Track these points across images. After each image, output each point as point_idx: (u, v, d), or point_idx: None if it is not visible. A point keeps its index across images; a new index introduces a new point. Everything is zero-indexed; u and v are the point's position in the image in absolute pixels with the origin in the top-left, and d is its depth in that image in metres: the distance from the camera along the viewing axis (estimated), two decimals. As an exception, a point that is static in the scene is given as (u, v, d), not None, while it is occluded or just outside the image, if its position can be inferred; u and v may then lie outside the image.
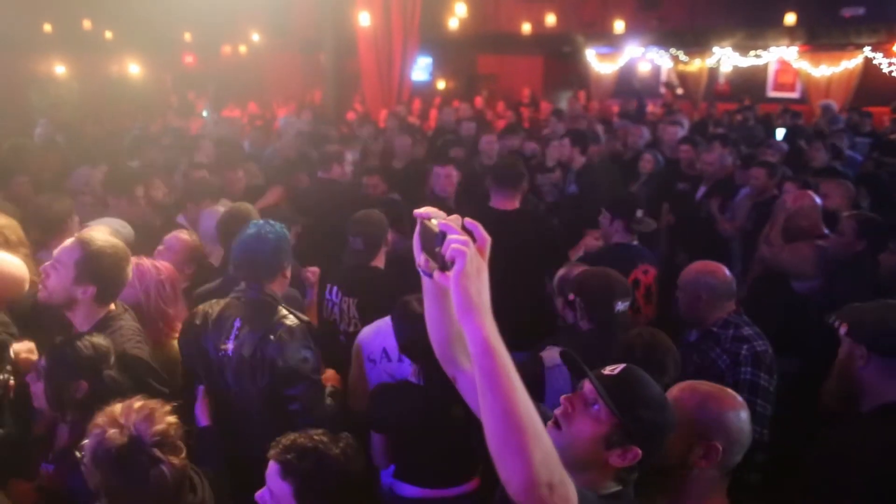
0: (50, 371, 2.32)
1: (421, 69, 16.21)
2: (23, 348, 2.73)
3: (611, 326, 2.88)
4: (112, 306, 2.73)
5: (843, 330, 2.24)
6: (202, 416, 2.70)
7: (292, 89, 15.48)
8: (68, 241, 2.70)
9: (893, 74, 13.46)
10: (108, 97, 14.01)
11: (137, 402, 1.95)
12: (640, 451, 1.58)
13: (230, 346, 2.70)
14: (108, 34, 15.59)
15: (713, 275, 3.12)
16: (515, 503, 1.35)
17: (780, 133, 9.75)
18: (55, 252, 2.69)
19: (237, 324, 2.73)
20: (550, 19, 13.80)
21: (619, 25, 13.99)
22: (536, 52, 16.59)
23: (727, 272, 3.15)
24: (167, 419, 1.93)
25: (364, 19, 9.99)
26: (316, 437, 1.98)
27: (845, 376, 2.23)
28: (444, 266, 1.37)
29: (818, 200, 4.30)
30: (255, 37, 15.37)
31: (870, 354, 2.17)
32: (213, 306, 2.82)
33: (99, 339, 2.39)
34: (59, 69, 14.68)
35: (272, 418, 2.61)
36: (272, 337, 2.65)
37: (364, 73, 10.89)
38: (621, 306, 2.91)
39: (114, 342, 2.47)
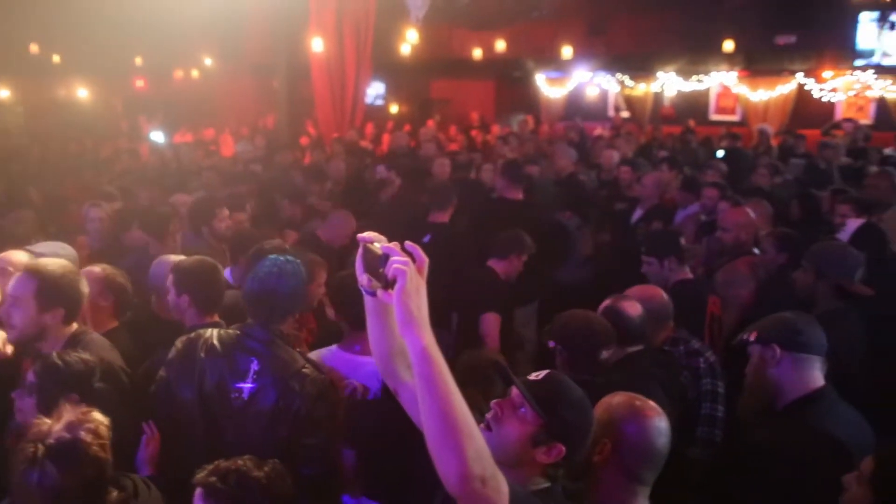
0: (42, 386, 2.35)
1: (374, 94, 16.42)
2: None
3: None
4: (75, 325, 2.76)
5: (751, 337, 2.42)
6: (148, 464, 2.52)
7: (245, 114, 15.49)
8: (16, 277, 2.70)
9: (824, 99, 14.17)
10: (56, 122, 13.84)
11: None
12: (563, 448, 1.74)
13: (245, 390, 2.54)
14: (56, 58, 15.39)
15: (652, 299, 3.24)
16: (453, 497, 1.49)
17: (720, 154, 10.17)
18: (7, 290, 2.68)
19: (255, 366, 2.56)
20: (501, 45, 14.16)
21: (567, 51, 14.44)
22: (488, 77, 16.97)
23: (664, 295, 3.31)
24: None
25: (317, 45, 10.12)
26: (240, 462, 2.04)
27: (759, 383, 2.41)
28: (387, 285, 1.52)
29: (752, 216, 4.54)
30: (208, 61, 15.36)
31: (782, 353, 2.36)
32: (218, 337, 2.64)
33: (85, 355, 2.45)
34: (4, 93, 14.45)
35: None
36: (296, 386, 2.51)
37: (317, 98, 10.99)
38: (605, 354, 2.76)
39: (96, 356, 2.52)
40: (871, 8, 12.73)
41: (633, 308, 2.98)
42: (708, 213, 5.66)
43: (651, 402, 2.09)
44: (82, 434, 1.98)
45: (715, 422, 3.18)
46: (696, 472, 2.96)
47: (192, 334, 2.69)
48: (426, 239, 4.90)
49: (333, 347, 2.91)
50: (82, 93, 16.22)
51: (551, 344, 2.82)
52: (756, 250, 4.31)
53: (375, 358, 1.83)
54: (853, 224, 4.44)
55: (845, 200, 5.09)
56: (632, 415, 2.00)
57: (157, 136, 13.17)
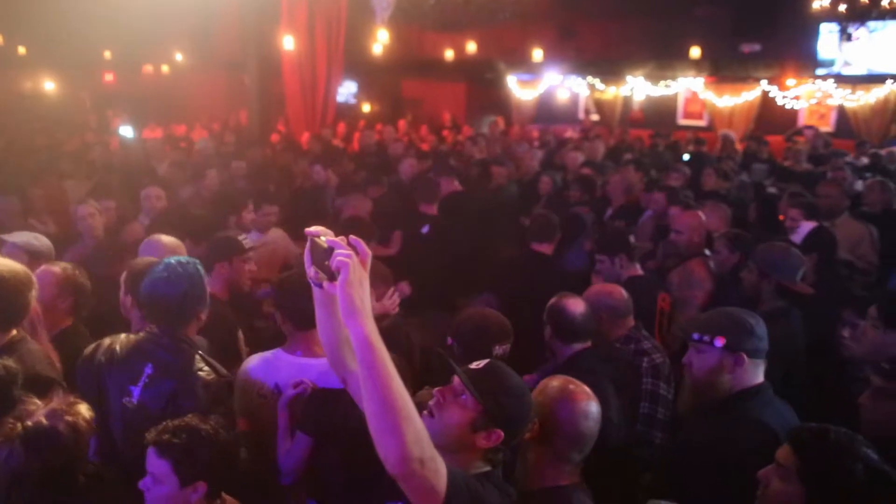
0: None
1: (347, 92, 16.43)
2: None
3: None
4: (14, 332, 2.67)
5: (719, 343, 2.40)
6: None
7: (216, 110, 15.39)
8: None
9: (787, 107, 14.51)
10: (21, 114, 13.61)
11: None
12: (502, 434, 1.82)
13: (136, 393, 2.51)
14: (22, 49, 15.14)
15: (611, 295, 3.36)
16: (394, 477, 1.57)
17: (685, 158, 10.40)
18: None
19: (148, 370, 2.53)
20: (472, 47, 14.26)
21: (538, 54, 14.60)
22: (459, 78, 17.07)
23: (623, 292, 3.41)
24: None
25: (288, 42, 10.11)
26: (187, 419, 2.17)
27: (710, 382, 2.42)
28: (332, 276, 1.60)
29: (704, 218, 4.68)
30: (178, 56, 15.24)
31: (744, 359, 2.39)
32: (121, 342, 2.62)
33: (8, 362, 2.42)
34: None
35: None
36: (189, 391, 2.47)
37: (288, 96, 10.98)
38: (499, 350, 2.78)
39: (24, 365, 2.47)
40: (831, 19, 13.08)
41: (575, 306, 3.04)
42: (657, 216, 5.84)
43: (585, 387, 2.17)
44: (61, 424, 2.04)
45: (653, 422, 3.20)
46: (644, 471, 3.03)
47: (99, 342, 2.65)
48: (425, 229, 5.39)
49: (277, 350, 2.87)
50: (49, 86, 15.98)
51: (449, 341, 2.86)
52: (707, 251, 4.44)
53: (325, 348, 1.91)
54: (805, 227, 4.61)
55: (796, 205, 5.27)
56: (563, 397, 2.09)
57: (126, 132, 13.03)
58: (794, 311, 3.44)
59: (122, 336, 2.66)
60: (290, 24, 10.23)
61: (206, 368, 2.55)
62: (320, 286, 1.70)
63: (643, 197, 6.65)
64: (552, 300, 3.09)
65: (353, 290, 1.55)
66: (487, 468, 1.85)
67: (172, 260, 2.68)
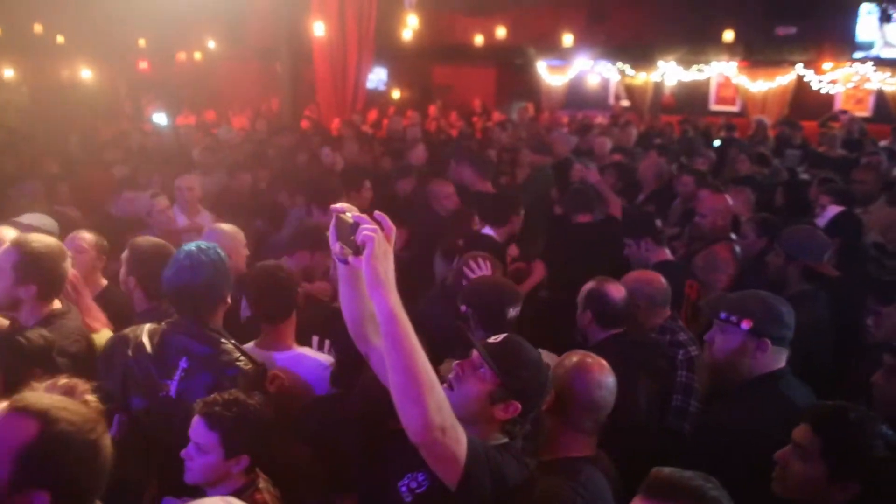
0: (3, 360, 2.43)
1: (377, 79, 16.50)
2: None
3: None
4: (56, 303, 2.79)
5: (745, 325, 2.40)
6: None
7: (248, 97, 15.58)
8: (3, 248, 2.76)
9: (823, 91, 14.22)
10: (60, 102, 13.93)
11: (62, 380, 2.09)
12: (519, 406, 1.89)
13: (172, 387, 2.45)
14: (60, 38, 15.47)
15: (650, 283, 3.31)
16: (417, 445, 1.64)
17: (716, 144, 10.29)
18: None
19: (183, 364, 2.47)
20: (501, 32, 14.22)
21: (568, 39, 14.50)
22: (489, 64, 17.04)
23: (663, 280, 3.35)
24: (87, 397, 2.04)
25: (319, 29, 10.20)
26: (234, 392, 2.25)
27: (732, 364, 2.42)
28: (358, 251, 1.66)
29: (731, 202, 4.66)
30: (211, 44, 15.44)
31: (767, 343, 2.38)
32: (148, 335, 2.53)
33: (43, 331, 2.54)
34: (8, 73, 14.55)
35: None
36: (227, 383, 2.42)
37: (319, 82, 11.08)
38: (513, 313, 2.88)
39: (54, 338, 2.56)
40: (870, 0, 12.78)
41: (617, 291, 3.04)
42: (685, 200, 5.81)
43: (602, 361, 2.22)
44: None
45: (685, 415, 3.15)
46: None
47: (121, 334, 2.61)
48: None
49: (250, 345, 2.82)
50: (86, 74, 16.31)
51: (463, 308, 2.90)
52: (733, 235, 4.43)
53: (348, 324, 1.97)
54: (832, 211, 4.57)
55: (825, 191, 5.23)
56: (579, 368, 2.15)
57: (160, 119, 13.28)
58: (820, 295, 3.43)
59: (147, 328, 2.57)
60: (321, 11, 10.31)
61: (242, 358, 2.53)
62: (345, 262, 1.75)
63: (676, 182, 6.63)
64: (592, 285, 3.06)
65: (378, 263, 1.61)
66: (505, 440, 1.92)
67: (193, 247, 2.63)
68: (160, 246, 3.06)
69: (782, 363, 2.46)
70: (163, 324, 2.58)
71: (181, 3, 11.62)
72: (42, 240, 2.78)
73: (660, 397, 3.07)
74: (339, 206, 1.72)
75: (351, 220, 1.68)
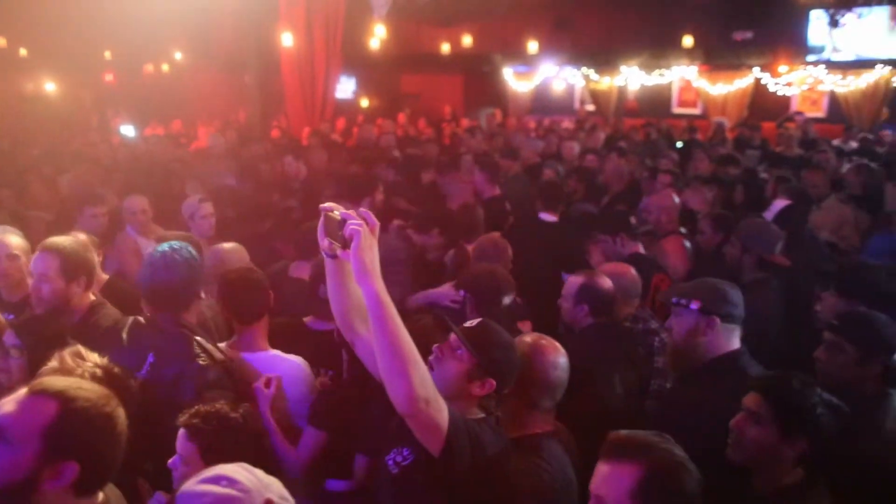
0: (29, 346, 2.55)
1: (346, 88, 16.61)
2: None
3: (499, 320, 3.06)
4: (91, 296, 3.02)
5: (693, 306, 2.61)
6: None
7: (216, 108, 15.59)
8: (38, 255, 2.95)
9: (779, 93, 14.71)
10: (24, 115, 13.81)
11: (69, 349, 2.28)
12: (494, 382, 2.07)
13: (140, 378, 2.55)
14: (23, 51, 15.34)
15: (624, 276, 3.49)
16: (403, 416, 1.80)
17: (679, 146, 10.62)
18: (33, 269, 2.95)
19: (150, 358, 2.60)
20: (468, 40, 14.46)
21: (533, 46, 14.81)
22: (456, 72, 17.27)
23: (634, 272, 3.55)
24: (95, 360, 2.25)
25: (287, 40, 10.30)
26: (217, 405, 2.27)
27: (689, 345, 2.62)
28: (346, 244, 1.82)
29: (677, 200, 4.89)
30: (178, 55, 15.42)
31: (721, 324, 2.58)
32: (128, 329, 2.71)
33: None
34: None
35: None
36: (187, 377, 2.54)
37: (287, 92, 11.16)
38: (507, 300, 3.11)
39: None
40: (819, 6, 13.29)
41: (606, 282, 3.22)
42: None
43: (554, 341, 2.38)
44: None
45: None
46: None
47: (113, 327, 2.77)
48: None
49: (223, 345, 2.91)
50: (50, 87, 16.18)
51: (461, 293, 3.11)
52: (683, 230, 4.67)
53: (336, 316, 2.12)
54: (778, 204, 4.84)
55: (783, 190, 5.52)
56: (535, 351, 2.31)
57: (128, 130, 13.24)
58: (772, 281, 3.67)
59: (129, 322, 2.78)
60: (289, 22, 10.40)
61: (202, 355, 2.62)
62: (334, 256, 1.92)
63: (645, 183, 6.88)
64: (583, 279, 3.21)
65: (364, 255, 1.77)
66: (482, 415, 2.09)
67: (166, 247, 2.76)
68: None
69: (737, 344, 2.66)
70: (138, 319, 2.75)
71: (147, 15, 11.62)
72: (66, 238, 3.04)
73: (638, 383, 3.26)
74: (326, 205, 1.87)
75: (339, 217, 1.84)
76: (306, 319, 3.15)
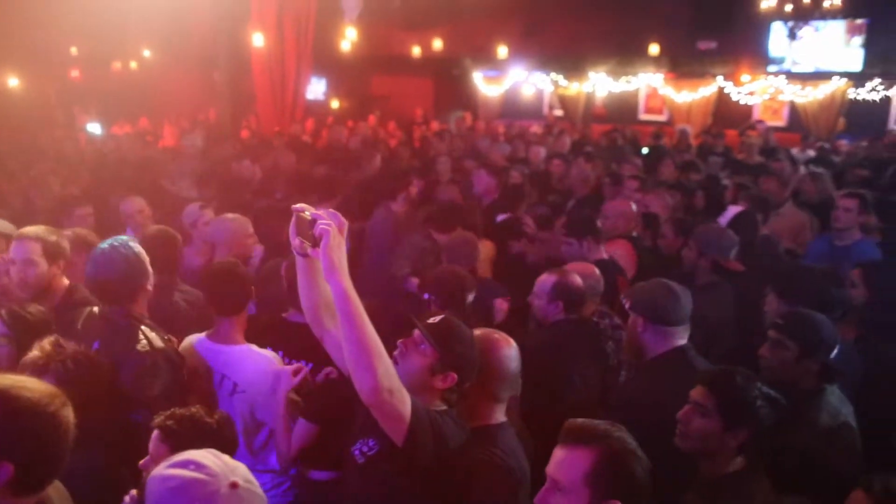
0: (16, 335, 2.68)
1: (316, 90, 16.62)
2: None
3: (464, 317, 3.15)
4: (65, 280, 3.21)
5: (627, 305, 2.90)
6: None
7: (185, 106, 15.47)
8: (17, 243, 3.13)
9: (742, 102, 15.11)
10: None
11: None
12: (455, 376, 2.17)
13: None
14: (-14, 45, 15.04)
15: (591, 276, 3.62)
16: (368, 406, 1.90)
17: (644, 152, 10.87)
18: (14, 256, 3.11)
19: (95, 345, 2.69)
20: (438, 44, 14.58)
21: (503, 51, 14.98)
22: (427, 75, 17.39)
23: (597, 271, 3.72)
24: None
25: (258, 40, 10.30)
26: (193, 409, 2.27)
27: (630, 341, 2.91)
28: (316, 243, 1.91)
29: (634, 208, 5.04)
30: (147, 53, 15.27)
31: (645, 323, 2.83)
32: (84, 318, 2.85)
33: (37, 307, 2.84)
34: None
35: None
36: (128, 363, 2.64)
37: (258, 93, 11.16)
38: (470, 297, 3.34)
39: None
40: (779, 19, 13.70)
41: (577, 279, 3.40)
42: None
43: (504, 335, 2.48)
44: None
45: None
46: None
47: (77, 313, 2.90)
48: None
49: (202, 336, 3.01)
50: (13, 82, 15.88)
51: (426, 296, 3.27)
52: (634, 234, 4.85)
53: (306, 312, 2.23)
54: (732, 210, 5.04)
55: (743, 197, 5.73)
56: (490, 346, 2.40)
57: (94, 128, 13.09)
58: (724, 285, 3.85)
59: (86, 311, 2.93)
60: (260, 22, 10.41)
61: (143, 342, 2.72)
62: (304, 255, 2.02)
63: (608, 189, 7.03)
64: (557, 277, 3.36)
65: (332, 253, 1.88)
66: (444, 407, 2.20)
67: (107, 244, 2.87)
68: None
69: (680, 342, 2.84)
70: (93, 310, 2.90)
71: (115, 12, 11.51)
72: (40, 227, 3.20)
73: (601, 376, 3.42)
74: (298, 206, 1.97)
75: (309, 217, 1.94)
76: (285, 314, 3.24)
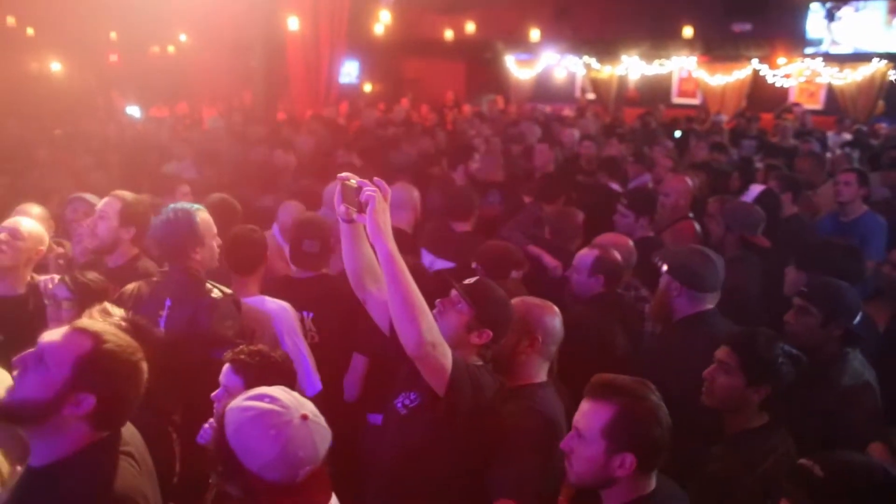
0: (80, 300, 2.86)
1: (348, 73, 16.77)
2: None
3: (506, 290, 3.40)
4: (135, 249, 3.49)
5: (664, 268, 3.01)
6: None
7: (221, 90, 15.73)
8: (106, 199, 3.45)
9: (777, 85, 14.90)
10: (29, 95, 13.96)
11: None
12: (491, 333, 2.32)
13: (162, 322, 2.90)
14: (31, 31, 15.47)
15: (623, 246, 3.73)
16: (412, 358, 2.05)
17: (677, 135, 10.85)
18: (97, 209, 3.44)
19: (168, 303, 2.94)
20: (471, 27, 14.62)
21: (535, 34, 14.96)
22: (459, 58, 17.43)
23: (630, 242, 3.83)
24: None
25: (293, 24, 10.47)
26: (260, 346, 2.53)
27: (661, 302, 3.03)
28: (361, 209, 2.06)
29: (690, 184, 5.12)
30: (183, 37, 15.56)
31: (682, 288, 2.95)
32: (142, 287, 3.04)
33: (95, 275, 3.02)
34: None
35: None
36: (202, 310, 2.88)
37: (292, 76, 11.35)
38: (516, 274, 3.46)
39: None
40: (817, 0, 13.48)
41: (616, 255, 3.48)
42: (657, 181, 6.35)
43: (548, 301, 2.63)
44: None
45: None
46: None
47: (125, 288, 3.05)
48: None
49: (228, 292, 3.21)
50: (55, 67, 16.30)
51: (475, 265, 3.42)
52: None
53: (349, 275, 2.39)
54: (755, 189, 5.09)
55: (773, 177, 5.76)
56: (542, 309, 2.55)
57: (133, 112, 13.42)
58: (751, 258, 3.93)
59: (143, 282, 3.11)
60: (295, 6, 10.58)
61: (215, 291, 2.98)
62: (350, 221, 2.17)
63: (631, 167, 7.12)
64: (598, 253, 3.45)
65: (378, 217, 2.03)
66: (480, 363, 2.35)
67: (170, 208, 3.12)
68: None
69: (707, 306, 2.97)
70: (155, 274, 3.19)
71: (155, -3, 11.78)
72: (134, 196, 3.54)
73: (630, 345, 3.49)
74: (343, 174, 2.12)
75: (355, 185, 2.09)
76: (290, 272, 3.61)
